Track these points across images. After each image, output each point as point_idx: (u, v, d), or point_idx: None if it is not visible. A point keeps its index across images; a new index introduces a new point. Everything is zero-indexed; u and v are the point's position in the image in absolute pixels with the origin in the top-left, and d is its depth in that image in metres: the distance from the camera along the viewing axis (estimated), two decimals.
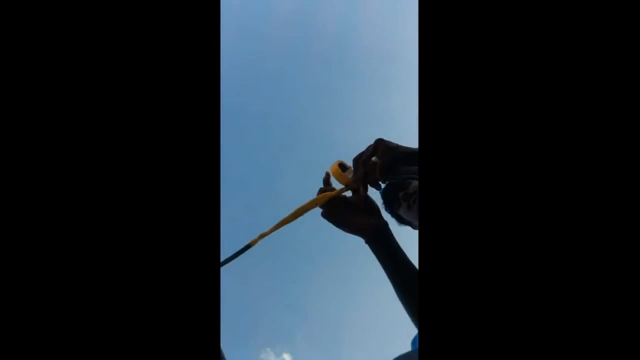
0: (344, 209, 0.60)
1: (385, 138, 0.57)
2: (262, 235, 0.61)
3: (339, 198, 0.61)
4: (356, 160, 0.57)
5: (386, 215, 1.03)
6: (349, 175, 0.61)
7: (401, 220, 1.01)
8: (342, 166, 0.62)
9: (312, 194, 0.63)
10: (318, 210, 0.63)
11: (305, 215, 0.62)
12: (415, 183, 0.95)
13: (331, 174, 0.62)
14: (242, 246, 0.60)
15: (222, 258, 0.58)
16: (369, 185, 0.59)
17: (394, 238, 0.59)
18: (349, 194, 0.63)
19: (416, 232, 1.00)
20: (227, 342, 0.58)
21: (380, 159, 0.55)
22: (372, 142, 0.58)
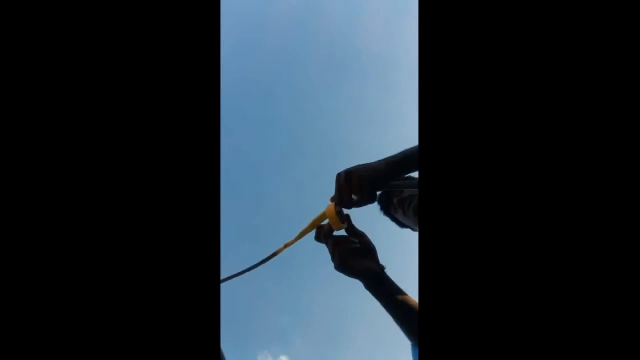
0: (349, 255, 0.59)
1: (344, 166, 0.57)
2: (287, 245, 0.63)
3: (346, 243, 0.60)
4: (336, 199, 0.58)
5: (384, 222, 1.05)
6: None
7: (401, 225, 1.02)
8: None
9: (314, 196, 0.65)
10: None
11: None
12: (408, 189, 0.96)
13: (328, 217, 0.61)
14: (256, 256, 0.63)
15: (222, 259, 0.59)
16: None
17: (391, 280, 0.58)
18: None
19: (415, 233, 1.00)
20: (224, 345, 0.58)
21: (360, 196, 0.55)
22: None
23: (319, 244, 0.62)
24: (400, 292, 0.56)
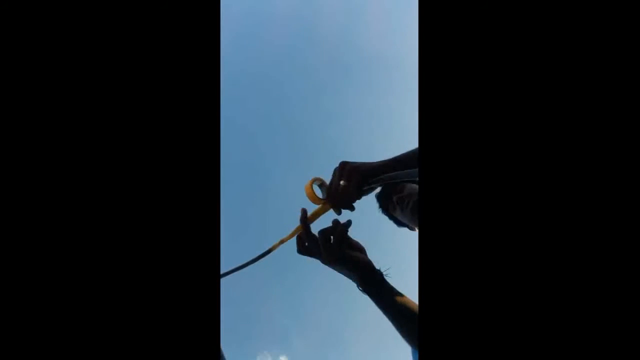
0: (344, 243, 0.59)
1: (349, 160, 0.59)
2: (282, 241, 0.62)
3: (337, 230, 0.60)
4: (328, 188, 0.59)
5: (382, 219, 1.05)
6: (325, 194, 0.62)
7: (398, 223, 1.02)
8: (319, 182, 0.63)
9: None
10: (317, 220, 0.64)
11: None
12: (410, 186, 0.96)
13: (308, 198, 0.62)
14: (256, 253, 0.61)
15: (222, 260, 0.59)
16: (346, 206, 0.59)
17: (384, 279, 0.58)
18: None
19: (413, 232, 1.01)
20: (224, 345, 0.58)
21: (348, 182, 0.55)
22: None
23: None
24: (399, 294, 0.55)
